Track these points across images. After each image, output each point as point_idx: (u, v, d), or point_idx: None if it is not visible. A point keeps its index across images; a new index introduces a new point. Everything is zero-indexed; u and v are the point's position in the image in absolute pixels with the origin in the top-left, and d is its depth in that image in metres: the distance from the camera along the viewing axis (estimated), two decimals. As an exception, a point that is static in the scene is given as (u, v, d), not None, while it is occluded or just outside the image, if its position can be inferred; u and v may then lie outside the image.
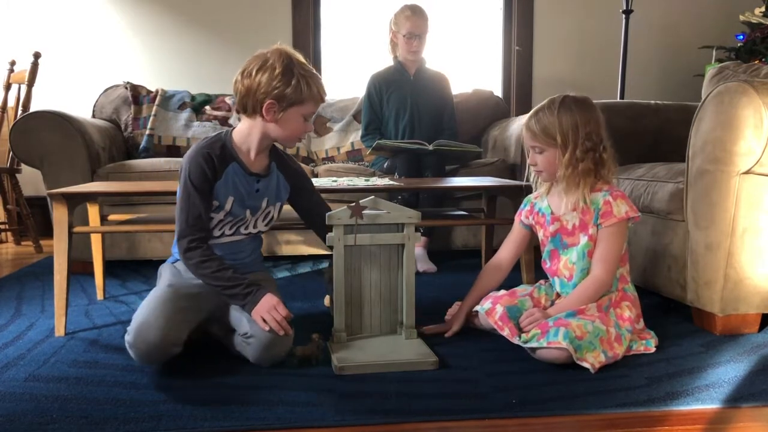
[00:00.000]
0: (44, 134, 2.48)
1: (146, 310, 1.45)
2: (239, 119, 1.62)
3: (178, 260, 1.65)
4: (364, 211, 1.60)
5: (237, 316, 1.54)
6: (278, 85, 1.49)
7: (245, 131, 1.59)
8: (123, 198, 2.56)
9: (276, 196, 1.67)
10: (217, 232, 1.60)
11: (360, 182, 2.23)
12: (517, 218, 1.83)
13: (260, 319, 1.46)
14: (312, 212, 1.75)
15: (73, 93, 3.60)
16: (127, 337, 1.44)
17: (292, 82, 1.50)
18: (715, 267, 1.72)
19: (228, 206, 1.58)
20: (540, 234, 1.76)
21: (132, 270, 2.64)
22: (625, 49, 3.51)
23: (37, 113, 2.54)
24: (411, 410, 1.27)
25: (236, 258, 1.64)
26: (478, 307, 1.71)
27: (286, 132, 1.57)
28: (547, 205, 1.73)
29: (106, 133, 2.89)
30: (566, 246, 1.69)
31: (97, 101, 3.20)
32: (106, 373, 1.47)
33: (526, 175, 1.78)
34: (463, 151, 2.75)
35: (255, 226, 1.66)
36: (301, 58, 1.55)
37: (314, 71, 1.56)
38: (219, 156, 1.55)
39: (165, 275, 1.63)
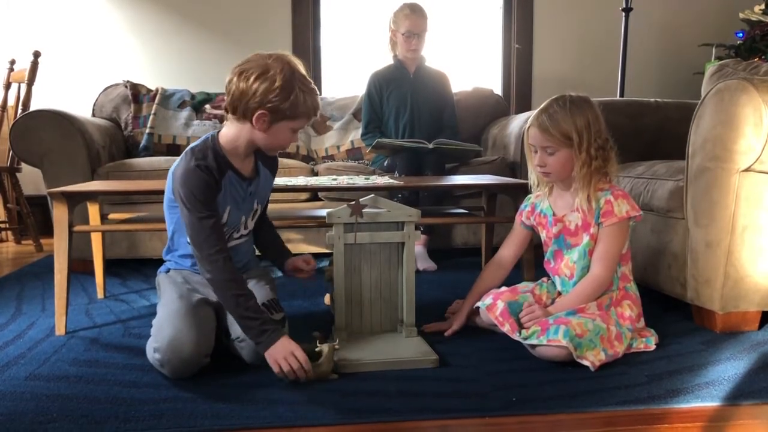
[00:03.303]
0: (44, 133, 2.48)
1: (171, 326, 1.43)
2: (226, 119, 1.55)
3: (170, 269, 1.65)
4: (364, 210, 1.60)
5: (231, 318, 1.53)
6: (275, 99, 1.43)
7: (233, 135, 1.52)
8: (123, 197, 2.56)
9: (264, 193, 1.67)
10: None
11: (360, 180, 2.23)
12: (518, 218, 1.83)
13: (275, 363, 1.40)
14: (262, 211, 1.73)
15: (73, 92, 3.60)
16: (156, 356, 1.42)
17: (290, 98, 1.44)
18: (715, 265, 1.72)
19: (225, 216, 1.55)
20: (543, 235, 1.75)
21: (132, 269, 2.64)
22: (624, 46, 3.51)
23: (37, 112, 2.54)
24: (411, 408, 1.27)
25: None
26: (479, 303, 1.70)
27: (273, 143, 1.53)
28: (549, 206, 1.73)
29: (106, 131, 2.89)
30: (570, 246, 1.69)
31: (96, 100, 3.20)
32: (107, 372, 1.48)
33: (529, 176, 1.77)
34: (463, 149, 2.75)
35: (246, 227, 1.65)
36: (302, 70, 1.49)
37: (313, 85, 1.50)
38: (216, 168, 1.49)
39: (167, 287, 1.59)
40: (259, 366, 1.49)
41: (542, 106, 1.66)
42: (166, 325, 1.44)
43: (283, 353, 1.40)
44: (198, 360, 1.42)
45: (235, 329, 1.50)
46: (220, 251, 1.45)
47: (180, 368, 1.41)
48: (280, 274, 2.55)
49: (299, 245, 2.71)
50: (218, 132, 1.56)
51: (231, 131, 1.53)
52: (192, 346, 1.40)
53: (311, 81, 1.51)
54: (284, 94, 1.44)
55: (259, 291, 1.59)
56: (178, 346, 1.40)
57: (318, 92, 1.53)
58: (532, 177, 1.74)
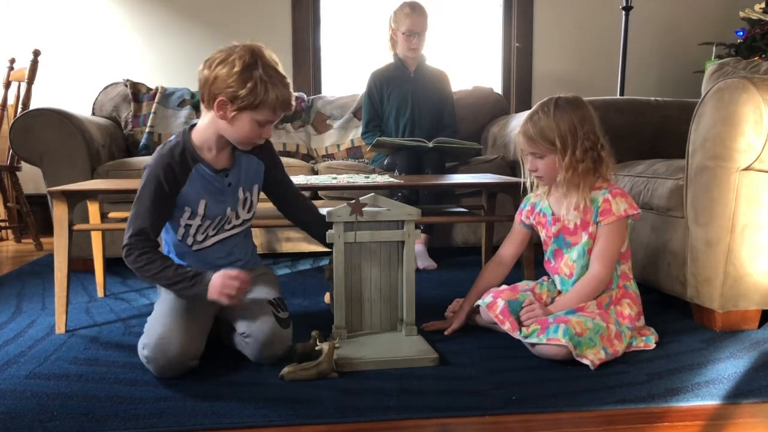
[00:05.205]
0: (44, 132, 2.48)
1: (161, 324, 1.42)
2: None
3: None
4: (364, 209, 1.60)
5: (235, 315, 1.53)
6: (233, 84, 1.39)
7: (203, 127, 1.51)
8: (123, 195, 2.55)
9: (251, 180, 1.61)
10: (200, 237, 1.57)
11: (360, 179, 2.23)
12: (517, 218, 1.83)
13: (220, 297, 1.42)
14: (289, 196, 1.71)
15: (72, 90, 3.60)
16: (144, 352, 1.42)
17: (248, 85, 1.39)
18: (715, 263, 1.72)
19: (201, 210, 1.53)
20: (542, 234, 1.75)
21: (132, 267, 2.64)
22: (624, 45, 3.51)
23: (37, 111, 2.54)
24: (411, 407, 1.28)
25: (229, 260, 1.61)
26: (479, 301, 1.70)
27: (237, 134, 1.47)
28: (548, 205, 1.73)
29: (106, 130, 2.89)
30: (570, 245, 1.69)
31: (96, 99, 3.20)
32: (107, 371, 1.48)
33: (524, 178, 1.77)
34: (464, 148, 2.75)
35: (237, 217, 1.61)
36: (269, 59, 1.43)
37: (281, 76, 1.44)
38: (180, 163, 1.48)
39: None
40: (261, 364, 1.50)
41: (530, 111, 1.67)
42: (157, 324, 1.44)
43: (220, 287, 1.42)
44: (183, 362, 1.41)
45: (240, 324, 1.50)
46: (141, 248, 1.45)
47: (165, 368, 1.40)
48: (280, 273, 2.57)
49: (299, 244, 2.71)
50: (193, 125, 1.55)
51: (203, 122, 1.52)
52: (178, 347, 1.39)
53: (282, 73, 1.45)
54: (242, 81, 1.39)
55: (264, 290, 1.59)
56: (164, 346, 1.39)
57: (289, 85, 1.46)
58: (529, 179, 1.75)
